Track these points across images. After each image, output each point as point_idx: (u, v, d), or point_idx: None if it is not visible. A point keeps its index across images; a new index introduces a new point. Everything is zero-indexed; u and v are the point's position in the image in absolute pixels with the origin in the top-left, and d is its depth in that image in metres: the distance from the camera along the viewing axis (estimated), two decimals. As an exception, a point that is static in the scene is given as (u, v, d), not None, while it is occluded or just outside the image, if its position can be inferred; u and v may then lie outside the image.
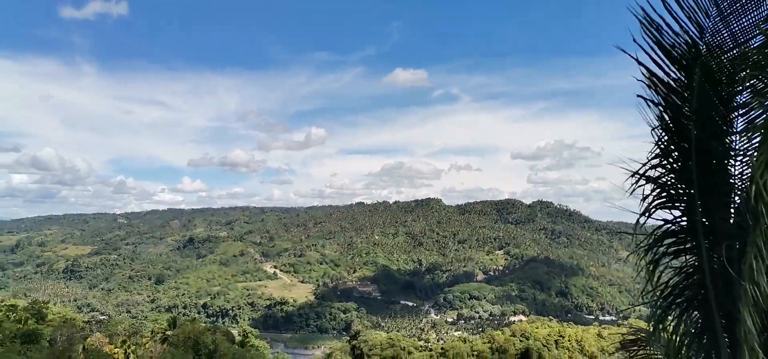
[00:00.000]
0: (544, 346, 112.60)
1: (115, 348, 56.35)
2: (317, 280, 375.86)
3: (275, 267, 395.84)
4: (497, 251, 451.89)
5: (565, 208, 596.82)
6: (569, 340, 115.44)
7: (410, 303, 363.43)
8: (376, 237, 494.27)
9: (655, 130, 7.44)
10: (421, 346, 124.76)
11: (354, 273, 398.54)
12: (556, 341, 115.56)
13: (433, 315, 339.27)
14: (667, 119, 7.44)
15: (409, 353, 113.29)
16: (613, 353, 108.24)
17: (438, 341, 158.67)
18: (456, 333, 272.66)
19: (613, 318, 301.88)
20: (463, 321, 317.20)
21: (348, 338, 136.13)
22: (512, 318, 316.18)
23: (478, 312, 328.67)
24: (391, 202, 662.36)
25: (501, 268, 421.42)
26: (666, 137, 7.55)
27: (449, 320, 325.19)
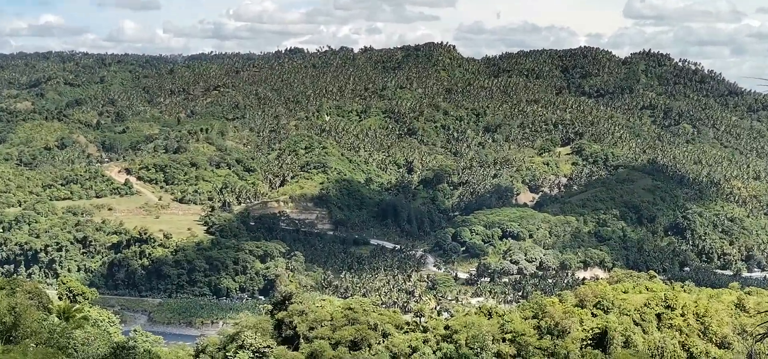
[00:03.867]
0: (636, 324, 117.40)
1: None
2: (211, 199, 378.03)
3: (128, 172, 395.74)
4: (558, 149, 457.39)
5: (692, 67, 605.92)
6: (683, 314, 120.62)
7: (389, 245, 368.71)
8: (327, 118, 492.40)
9: None
10: (409, 323, 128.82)
11: (282, 185, 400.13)
12: (658, 316, 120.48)
13: (431, 265, 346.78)
14: None
15: (385, 335, 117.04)
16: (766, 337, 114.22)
17: (439, 313, 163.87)
18: (474, 300, 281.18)
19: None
20: (487, 279, 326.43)
21: (270, 305, 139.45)
22: (580, 275, 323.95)
23: (517, 262, 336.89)
24: (356, 50, 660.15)
25: (564, 180, 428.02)
26: None
27: (462, 275, 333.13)
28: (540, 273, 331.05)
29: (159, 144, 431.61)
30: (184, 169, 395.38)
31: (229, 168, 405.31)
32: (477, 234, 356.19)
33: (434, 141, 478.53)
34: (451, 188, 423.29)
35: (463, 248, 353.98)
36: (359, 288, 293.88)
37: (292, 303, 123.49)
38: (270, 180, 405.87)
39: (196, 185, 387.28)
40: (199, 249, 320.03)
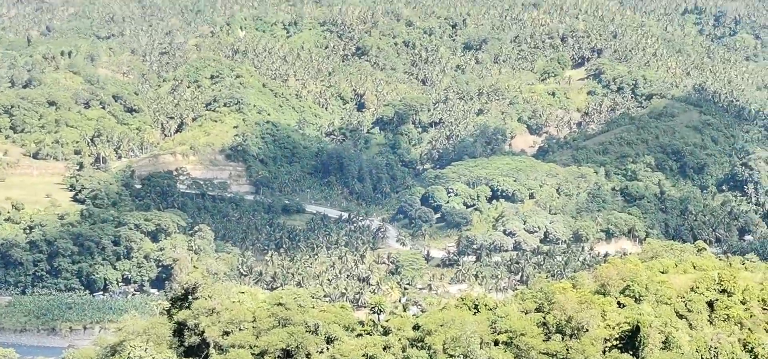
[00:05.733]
0: (680, 317, 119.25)
1: None
2: (78, 152, 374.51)
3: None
4: (568, 73, 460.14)
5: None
6: (745, 300, 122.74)
7: (333, 213, 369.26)
8: (241, 33, 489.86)
9: None
10: (363, 322, 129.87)
11: (179, 131, 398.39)
12: (709, 304, 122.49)
13: (393, 241, 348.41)
14: None
15: (330, 341, 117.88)
16: None
17: (405, 307, 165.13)
18: (454, 288, 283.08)
19: None
20: (472, 258, 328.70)
21: (166, 302, 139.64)
22: (602, 249, 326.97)
23: (513, 234, 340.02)
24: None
25: (577, 116, 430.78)
26: None
27: (437, 253, 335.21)
28: (545, 248, 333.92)
29: (1, 76, 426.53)
30: (39, 110, 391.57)
31: (104, 108, 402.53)
32: (456, 196, 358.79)
33: (394, 64, 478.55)
34: (420, 130, 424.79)
35: (438, 216, 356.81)
36: (292, 274, 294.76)
37: (197, 298, 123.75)
38: (162, 124, 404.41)
39: (56, 133, 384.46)
40: (63, 225, 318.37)
